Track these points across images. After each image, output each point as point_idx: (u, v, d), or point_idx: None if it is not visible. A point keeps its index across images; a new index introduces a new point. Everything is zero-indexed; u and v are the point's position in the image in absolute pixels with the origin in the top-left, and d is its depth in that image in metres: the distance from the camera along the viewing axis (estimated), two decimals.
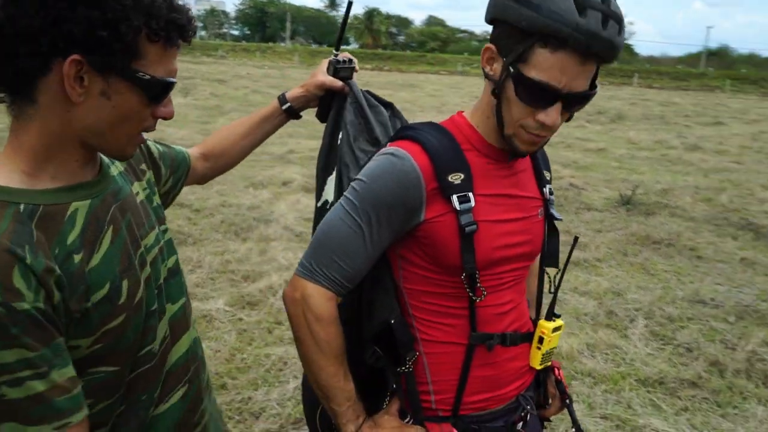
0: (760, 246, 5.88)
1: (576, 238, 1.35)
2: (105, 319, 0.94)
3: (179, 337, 1.14)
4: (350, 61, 1.47)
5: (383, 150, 1.20)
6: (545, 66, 1.05)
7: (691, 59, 78.46)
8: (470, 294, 1.19)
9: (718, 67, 65.63)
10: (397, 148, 1.17)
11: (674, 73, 53.35)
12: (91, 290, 0.91)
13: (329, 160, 1.47)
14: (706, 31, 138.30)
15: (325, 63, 1.48)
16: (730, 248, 5.71)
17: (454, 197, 1.14)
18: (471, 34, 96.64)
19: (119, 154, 0.98)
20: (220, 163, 1.51)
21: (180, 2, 0.93)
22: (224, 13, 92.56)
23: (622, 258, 5.30)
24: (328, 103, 1.50)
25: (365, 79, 28.88)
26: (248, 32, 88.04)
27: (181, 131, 10.38)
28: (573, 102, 1.10)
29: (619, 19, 1.04)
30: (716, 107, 24.86)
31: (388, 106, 1.48)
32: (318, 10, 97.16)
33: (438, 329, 1.23)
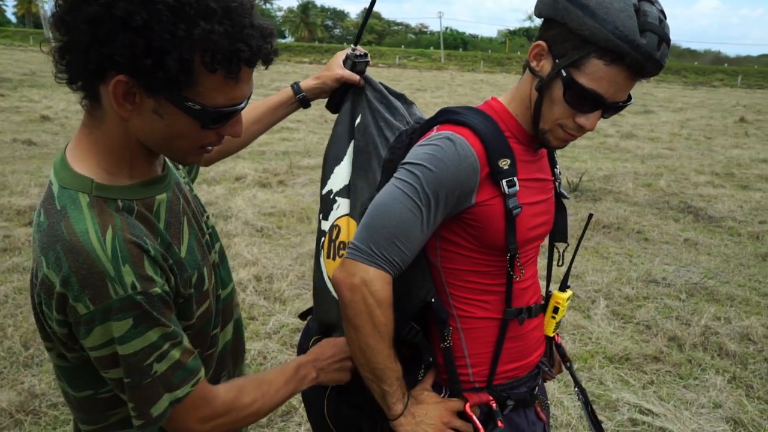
0: (699, 227, 6.23)
1: (590, 216, 1.44)
2: (199, 303, 1.02)
3: (227, 322, 1.18)
4: (365, 55, 1.49)
5: (437, 134, 1.20)
6: (597, 76, 1.10)
7: None
8: (510, 272, 1.25)
9: None
10: (452, 132, 1.18)
11: None
12: (189, 277, 0.99)
13: (340, 149, 1.49)
14: None
15: (339, 56, 1.50)
16: (673, 230, 6.02)
17: (504, 182, 1.18)
18: (407, 26, 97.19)
19: (181, 162, 0.99)
20: (231, 146, 1.52)
21: (254, 28, 0.85)
22: None
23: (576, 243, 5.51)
24: (341, 95, 1.51)
25: (304, 72, 28.58)
26: None
27: None
28: (612, 110, 1.17)
29: (669, 42, 1.11)
30: (644, 96, 26.00)
31: (401, 96, 1.51)
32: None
33: (475, 305, 1.28)
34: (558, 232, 1.42)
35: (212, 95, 0.86)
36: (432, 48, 64.11)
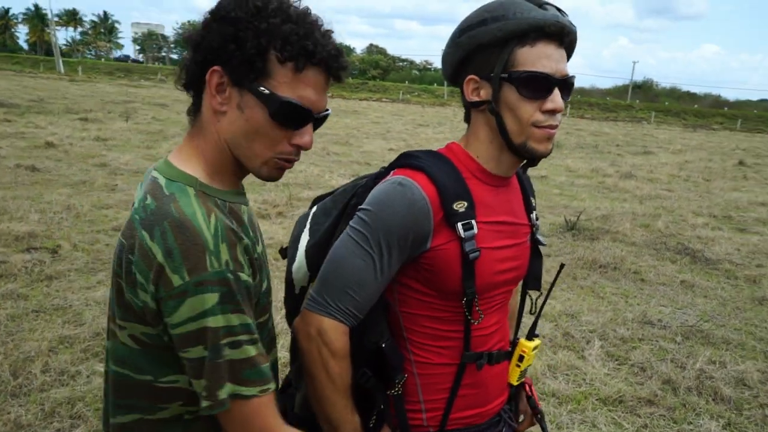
0: (696, 269, 6.22)
1: (562, 266, 1.43)
2: (263, 310, 1.09)
3: (269, 349, 1.21)
4: None
5: (389, 179, 1.20)
6: (531, 59, 1.16)
7: (618, 91, 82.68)
8: (468, 317, 1.23)
9: (644, 99, 69.36)
10: (403, 177, 1.17)
11: (603, 105, 56.01)
12: (263, 280, 1.07)
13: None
14: (632, 65, 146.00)
15: None
16: (670, 272, 6.02)
17: (459, 225, 1.17)
18: (411, 63, 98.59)
19: (257, 172, 1.05)
20: None
21: (324, 37, 1.00)
22: (163, 36, 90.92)
23: (572, 282, 5.50)
24: None
25: None
26: None
27: (124, 156, 10.12)
28: (566, 86, 1.19)
29: (564, 13, 1.20)
30: (644, 137, 26.23)
31: None
32: None
33: (432, 351, 1.26)
34: (531, 279, 1.40)
35: (282, 87, 0.97)
36: (435, 84, 64.96)
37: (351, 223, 1.19)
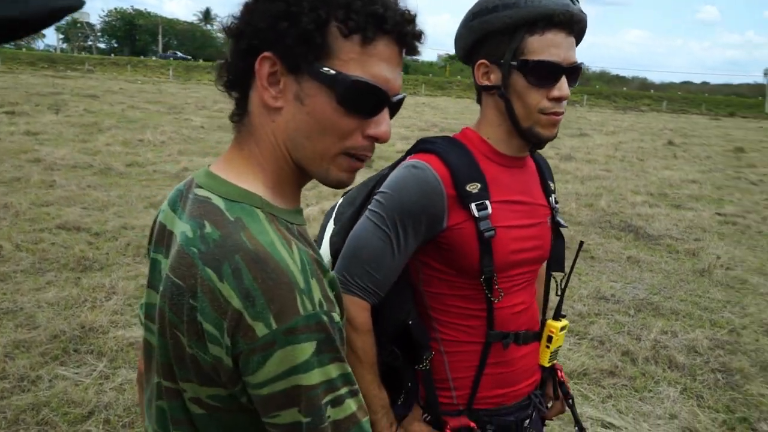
0: (640, 245, 6.51)
1: (581, 243, 1.47)
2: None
3: None
4: None
5: (404, 163, 1.26)
6: (541, 48, 1.19)
7: None
8: (488, 295, 1.27)
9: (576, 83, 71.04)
10: (417, 160, 1.24)
11: None
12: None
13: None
14: None
15: None
16: (616, 248, 6.27)
17: (473, 205, 1.22)
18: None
19: (325, 177, 0.86)
20: None
21: (395, 2, 0.82)
22: (89, 24, 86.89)
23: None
24: None
25: None
26: (116, 45, 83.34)
27: (59, 150, 9.66)
28: (573, 74, 1.23)
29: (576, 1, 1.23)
30: (578, 120, 27.04)
31: None
32: (192, 24, 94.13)
33: (458, 329, 1.29)
34: (554, 261, 1.43)
35: (349, 65, 0.79)
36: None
37: (369, 206, 1.24)
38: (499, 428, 1.34)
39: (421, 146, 1.29)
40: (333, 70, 0.79)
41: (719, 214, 8.32)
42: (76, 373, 3.19)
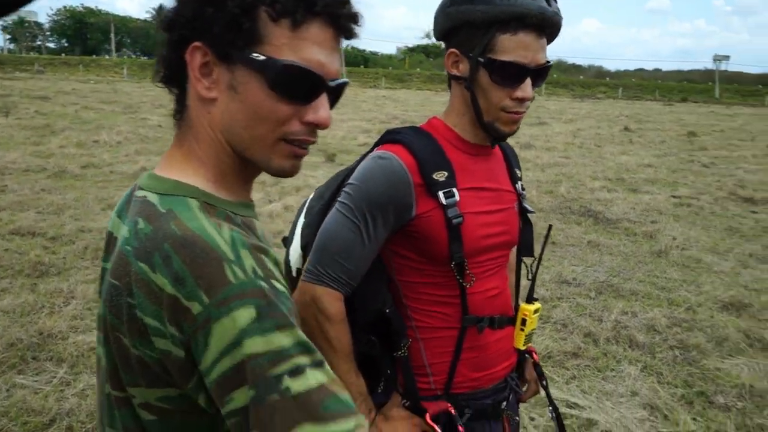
0: (600, 229, 6.65)
1: (550, 227, 1.50)
2: None
3: None
4: None
5: (371, 154, 1.28)
6: (510, 48, 1.20)
7: None
8: (460, 281, 1.29)
9: None
10: (384, 151, 1.26)
11: None
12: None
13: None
14: None
15: None
16: (577, 233, 6.40)
17: (440, 193, 1.24)
18: None
19: (268, 166, 0.84)
20: None
21: None
22: (37, 24, 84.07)
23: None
24: None
25: None
26: (66, 44, 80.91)
27: (10, 154, 9.36)
28: (540, 75, 1.25)
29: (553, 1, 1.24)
30: (537, 109, 27.40)
31: None
32: (146, 21, 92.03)
33: (432, 316, 1.31)
34: (524, 246, 1.46)
35: (281, 50, 0.77)
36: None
37: (339, 198, 1.26)
38: (476, 411, 1.36)
39: (388, 137, 1.31)
40: (263, 55, 0.77)
41: (674, 196, 8.56)
42: (35, 381, 3.10)
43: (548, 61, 1.26)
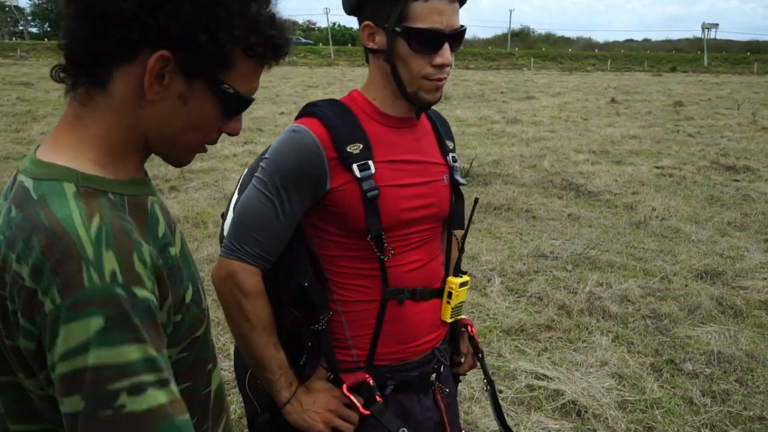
0: (581, 202, 6.68)
1: (476, 200, 1.50)
2: (194, 324, 0.87)
3: (215, 359, 1.01)
4: None
5: (286, 128, 1.29)
6: (424, 15, 1.21)
7: (499, 40, 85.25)
8: (378, 254, 1.30)
9: (522, 47, 72.04)
10: (297, 124, 1.27)
11: (486, 54, 57.60)
12: (183, 292, 0.85)
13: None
14: (509, 13, 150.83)
15: None
16: (557, 207, 6.42)
17: (355, 166, 1.24)
18: (294, 23, 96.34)
19: (176, 162, 0.91)
20: None
21: (282, 19, 0.86)
22: (17, 8, 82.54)
23: (470, 226, 5.74)
24: None
25: None
26: (50, 29, 79.65)
27: None
28: (456, 39, 1.26)
29: None
30: (525, 83, 27.34)
31: None
32: None
33: (353, 290, 1.32)
34: (455, 219, 1.45)
35: (241, 82, 0.84)
36: (321, 44, 63.94)
37: (255, 173, 1.27)
38: (400, 384, 1.37)
39: (305, 110, 1.31)
40: (232, 88, 0.83)
41: (657, 167, 8.58)
42: None
43: (462, 26, 1.26)
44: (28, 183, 0.77)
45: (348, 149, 1.24)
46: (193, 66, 0.79)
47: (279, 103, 16.66)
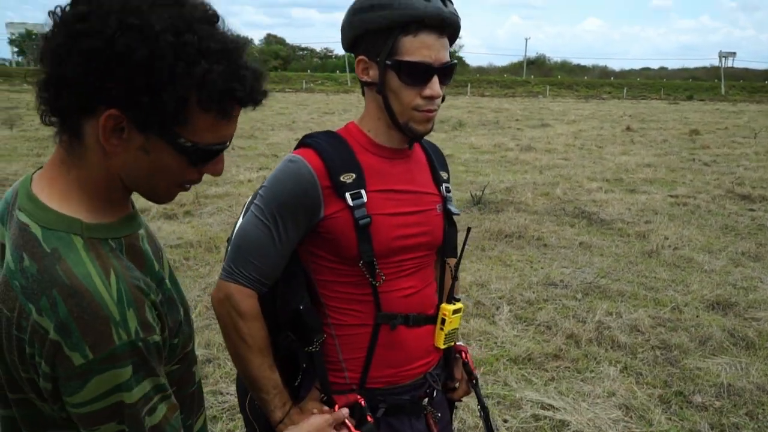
0: (593, 231, 6.65)
1: (468, 229, 1.53)
2: (185, 342, 0.99)
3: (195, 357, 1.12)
4: None
5: (283, 159, 1.34)
6: (413, 49, 1.26)
7: (515, 68, 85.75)
8: (370, 279, 1.34)
9: (538, 74, 72.33)
10: (294, 154, 1.33)
11: (502, 82, 57.92)
12: (177, 317, 0.95)
13: None
14: (525, 42, 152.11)
15: None
16: (569, 235, 6.40)
17: (347, 195, 1.29)
18: (311, 51, 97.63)
19: (156, 201, 0.94)
20: None
21: (248, 69, 0.86)
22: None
23: (481, 253, 5.75)
24: None
25: None
26: None
27: (12, 166, 9.50)
28: (445, 73, 1.30)
29: (451, 0, 1.30)
30: (541, 111, 27.41)
31: None
32: None
33: (347, 314, 1.37)
34: (448, 248, 1.49)
35: (203, 134, 0.85)
36: (338, 71, 64.79)
37: (254, 200, 1.33)
38: (392, 407, 1.40)
39: (302, 141, 1.37)
40: (189, 141, 0.85)
41: (671, 196, 8.54)
42: None
43: (452, 60, 1.31)
44: (36, 231, 0.83)
45: (341, 178, 1.29)
46: (144, 123, 0.82)
47: (295, 129, 16.87)
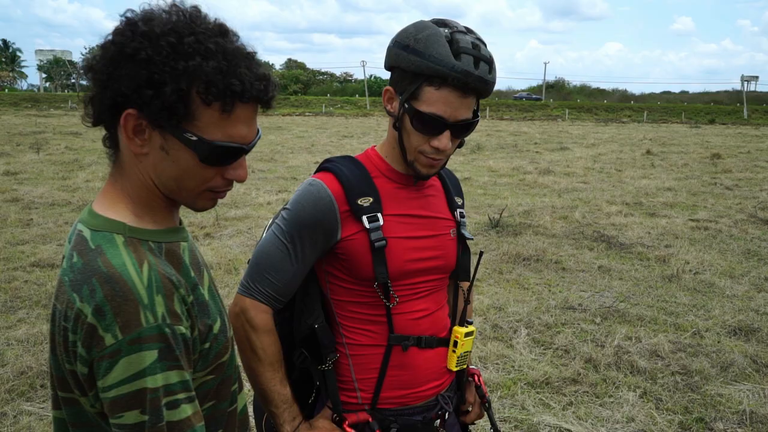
0: (612, 254, 6.61)
1: (481, 253, 1.56)
2: (220, 351, 1.01)
3: (241, 383, 1.14)
4: None
5: (304, 181, 1.39)
6: (432, 101, 1.27)
7: (534, 92, 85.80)
8: (384, 301, 1.37)
9: (557, 98, 72.32)
10: (314, 178, 1.38)
11: (520, 105, 58.01)
12: (211, 324, 0.99)
13: None
14: (544, 66, 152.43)
15: None
16: (588, 258, 6.36)
17: (364, 218, 1.34)
18: (331, 75, 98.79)
19: (191, 206, 1.01)
20: None
21: (249, 69, 0.91)
22: (71, 63, 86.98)
23: (498, 276, 5.74)
24: None
25: None
26: None
27: (38, 189, 9.70)
28: (460, 129, 1.32)
29: (488, 61, 1.28)
30: (560, 134, 27.35)
31: None
32: None
33: (361, 334, 1.40)
34: (461, 272, 1.52)
35: (210, 129, 0.91)
36: (357, 95, 65.43)
37: (276, 220, 1.39)
38: (403, 427, 1.42)
39: (322, 165, 1.42)
40: (195, 135, 0.90)
41: (692, 220, 8.46)
42: (42, 408, 3.22)
43: (472, 118, 1.32)
44: (86, 233, 0.93)
45: (359, 202, 1.33)
46: (156, 118, 0.89)
47: (314, 152, 17.04)
